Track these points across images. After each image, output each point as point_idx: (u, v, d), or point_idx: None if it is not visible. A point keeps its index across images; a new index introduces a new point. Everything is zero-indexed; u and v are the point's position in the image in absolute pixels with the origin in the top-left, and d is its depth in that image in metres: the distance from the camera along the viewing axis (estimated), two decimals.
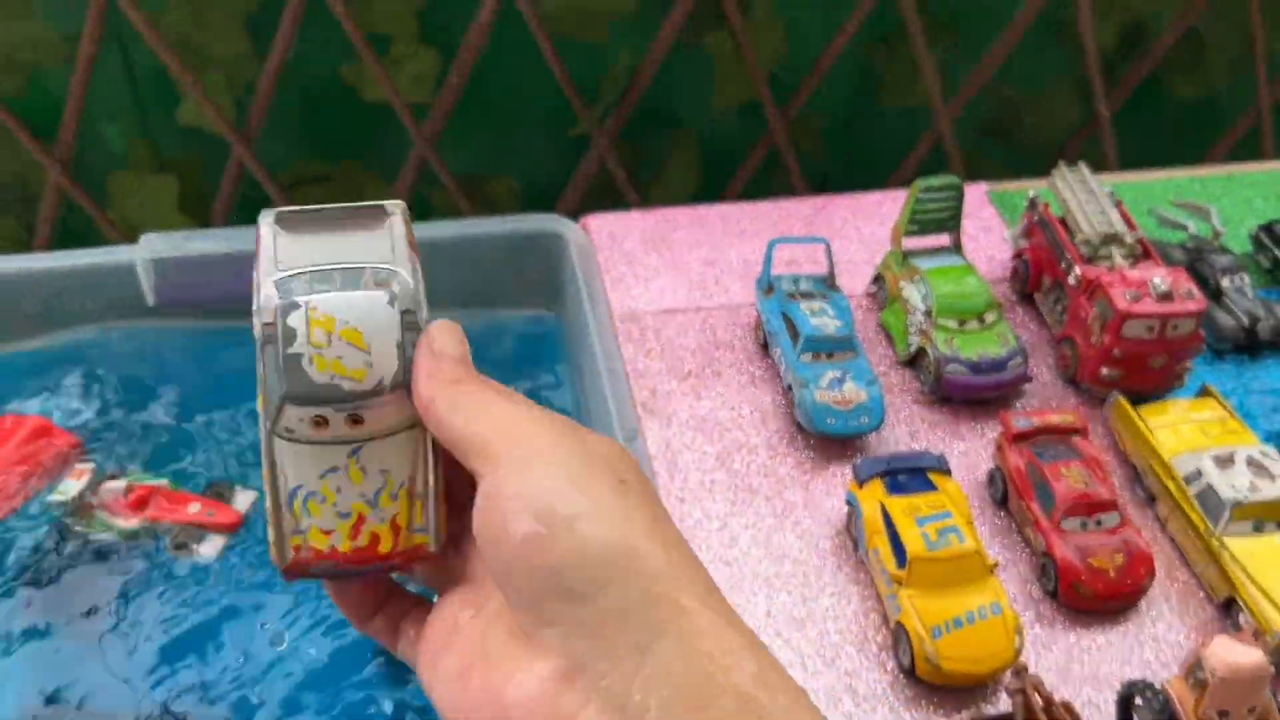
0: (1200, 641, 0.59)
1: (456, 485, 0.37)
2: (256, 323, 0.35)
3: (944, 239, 0.85)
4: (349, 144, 1.15)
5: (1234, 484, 0.67)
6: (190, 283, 0.83)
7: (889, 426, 0.77)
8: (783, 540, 0.71)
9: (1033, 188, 0.91)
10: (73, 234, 1.15)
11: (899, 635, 0.63)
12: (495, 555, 0.33)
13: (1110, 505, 0.67)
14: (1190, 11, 1.18)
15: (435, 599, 0.38)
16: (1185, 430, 0.73)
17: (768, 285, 0.83)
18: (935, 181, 0.83)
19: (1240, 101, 1.27)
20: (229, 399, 0.79)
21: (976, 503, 0.72)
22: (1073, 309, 0.79)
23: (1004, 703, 0.61)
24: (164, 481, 0.73)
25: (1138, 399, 0.76)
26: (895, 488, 0.67)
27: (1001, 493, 0.72)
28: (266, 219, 0.37)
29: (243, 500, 0.72)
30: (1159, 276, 0.75)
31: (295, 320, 0.35)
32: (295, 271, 0.35)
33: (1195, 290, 0.75)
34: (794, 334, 0.78)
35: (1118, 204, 0.83)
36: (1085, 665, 0.65)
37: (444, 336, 0.36)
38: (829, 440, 0.76)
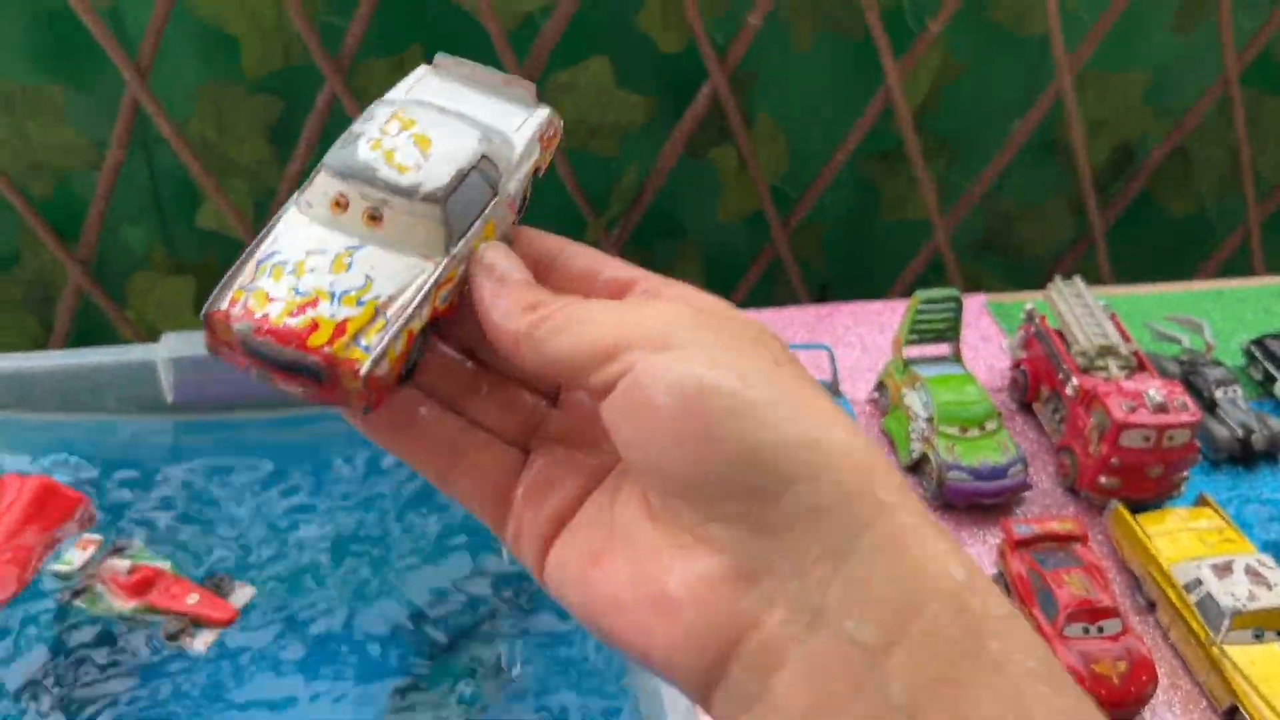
0: None
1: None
2: (363, 115, 0.34)
3: (944, 348, 0.88)
4: None
5: (1233, 592, 0.68)
6: (208, 381, 0.85)
7: None
8: None
9: (1030, 300, 0.94)
10: (90, 332, 1.17)
11: None
12: (644, 453, 0.29)
13: (1112, 612, 0.68)
14: (1178, 132, 1.22)
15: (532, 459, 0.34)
16: (1184, 539, 0.74)
17: None
18: (935, 294, 0.85)
19: (1229, 219, 1.31)
20: (239, 489, 0.81)
21: None
22: (1071, 419, 0.81)
23: None
24: (167, 564, 0.73)
25: (1136, 507, 0.77)
26: None
27: None
28: (423, 68, 0.36)
29: (241, 596, 0.73)
30: (1154, 388, 0.77)
31: (381, 111, 0.34)
32: (415, 99, 0.34)
33: (1189, 402, 0.77)
34: None
35: (1112, 317, 0.85)
36: None
37: (500, 259, 0.33)
38: None
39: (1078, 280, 0.89)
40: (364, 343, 0.30)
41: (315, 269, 0.31)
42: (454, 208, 0.32)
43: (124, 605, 0.71)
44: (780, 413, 0.28)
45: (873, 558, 0.27)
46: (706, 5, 1.05)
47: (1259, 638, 0.67)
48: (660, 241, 1.20)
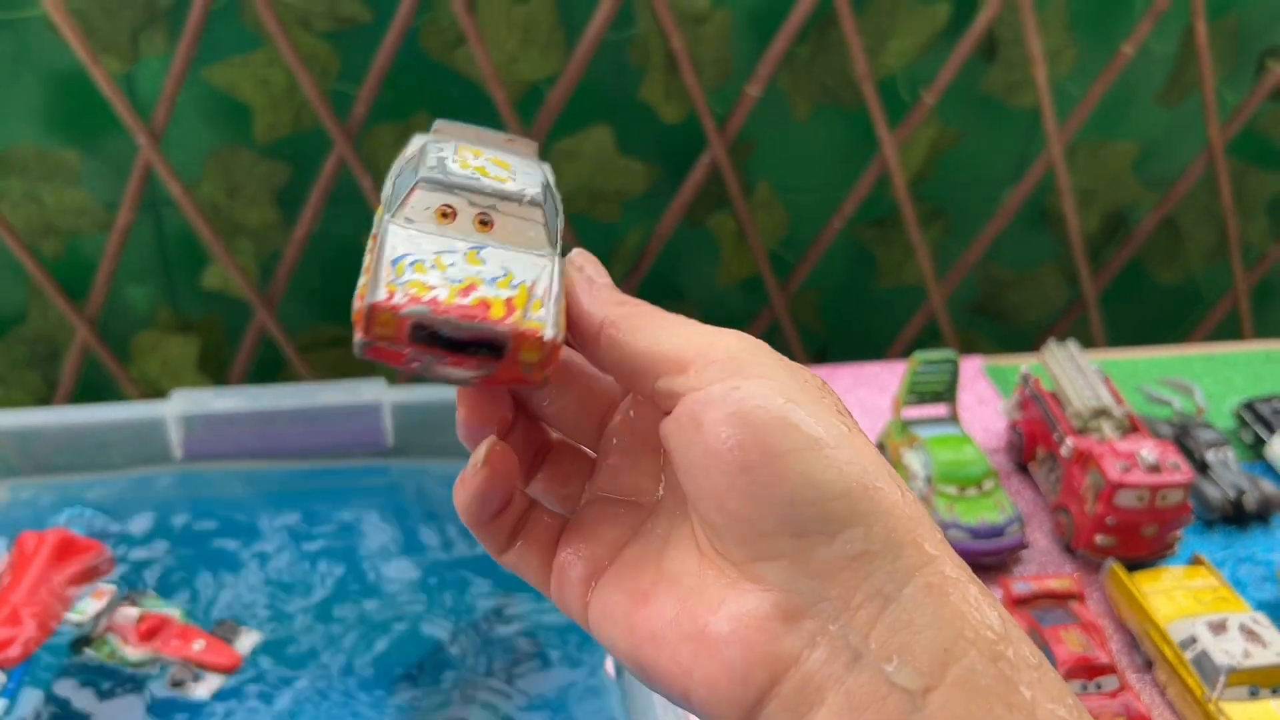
0: None
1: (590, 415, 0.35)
2: (391, 176, 0.34)
3: (941, 409, 0.89)
4: None
5: (1228, 649, 0.69)
6: (216, 438, 0.86)
7: None
8: None
9: (1025, 363, 0.95)
10: (94, 390, 1.18)
11: None
12: (706, 479, 0.29)
13: (1110, 669, 0.69)
14: (1167, 202, 1.25)
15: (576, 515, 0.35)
16: (1179, 597, 0.75)
17: None
18: (932, 355, 0.87)
19: (1218, 286, 1.33)
20: (248, 539, 0.82)
21: None
22: (1066, 479, 0.82)
23: None
24: (176, 612, 0.75)
25: (1132, 566, 0.78)
26: None
27: None
28: (421, 136, 0.37)
29: (246, 642, 0.74)
30: (1147, 449, 0.79)
31: (444, 145, 0.34)
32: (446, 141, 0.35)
33: (1182, 462, 0.78)
34: None
35: (1105, 380, 0.87)
36: None
37: (591, 263, 0.34)
38: None
39: (1071, 344, 0.91)
40: (535, 315, 0.31)
41: (454, 264, 0.31)
42: (548, 212, 0.34)
43: (133, 652, 0.72)
44: (843, 456, 0.28)
45: (916, 604, 0.27)
46: (706, 77, 1.08)
47: (1254, 695, 0.68)
48: (660, 304, 1.21)
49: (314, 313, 1.19)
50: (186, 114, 1.04)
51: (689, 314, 0.34)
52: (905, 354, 1.25)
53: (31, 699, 0.69)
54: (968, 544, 0.79)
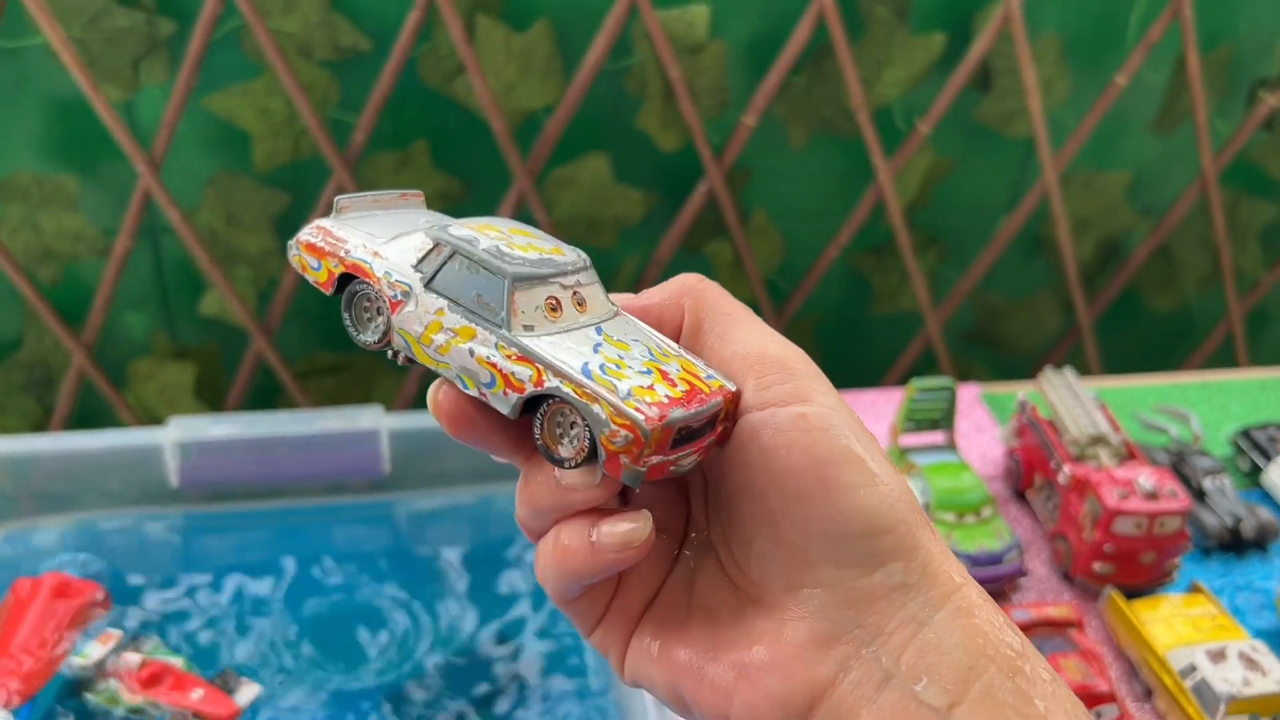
0: None
1: None
2: (407, 261, 0.33)
3: (939, 436, 0.89)
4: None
5: (1227, 678, 0.68)
6: (213, 465, 0.85)
7: None
8: None
9: (1022, 390, 0.96)
10: (89, 416, 1.18)
11: None
12: (762, 503, 0.30)
13: (1109, 698, 0.69)
14: (1161, 230, 1.26)
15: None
16: (1178, 625, 0.75)
17: None
18: (929, 383, 0.87)
19: (1212, 314, 1.34)
20: (250, 581, 0.81)
21: None
22: (1064, 506, 0.82)
23: None
24: (179, 660, 0.74)
25: (1131, 594, 0.78)
26: None
27: None
28: (328, 219, 0.36)
29: (246, 694, 0.73)
30: (1144, 476, 0.79)
31: (460, 231, 0.33)
32: (400, 233, 0.34)
33: (1179, 490, 0.78)
34: None
35: (1102, 407, 0.87)
36: None
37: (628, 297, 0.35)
38: None
39: (1068, 371, 0.91)
40: (710, 372, 0.32)
41: (621, 356, 0.31)
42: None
43: (132, 699, 0.71)
44: (895, 494, 0.30)
45: (944, 628, 0.29)
46: (703, 106, 1.09)
47: None
48: None
49: (311, 340, 1.19)
50: (186, 142, 1.04)
51: None
52: (902, 381, 1.26)
53: None
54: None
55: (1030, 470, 0.89)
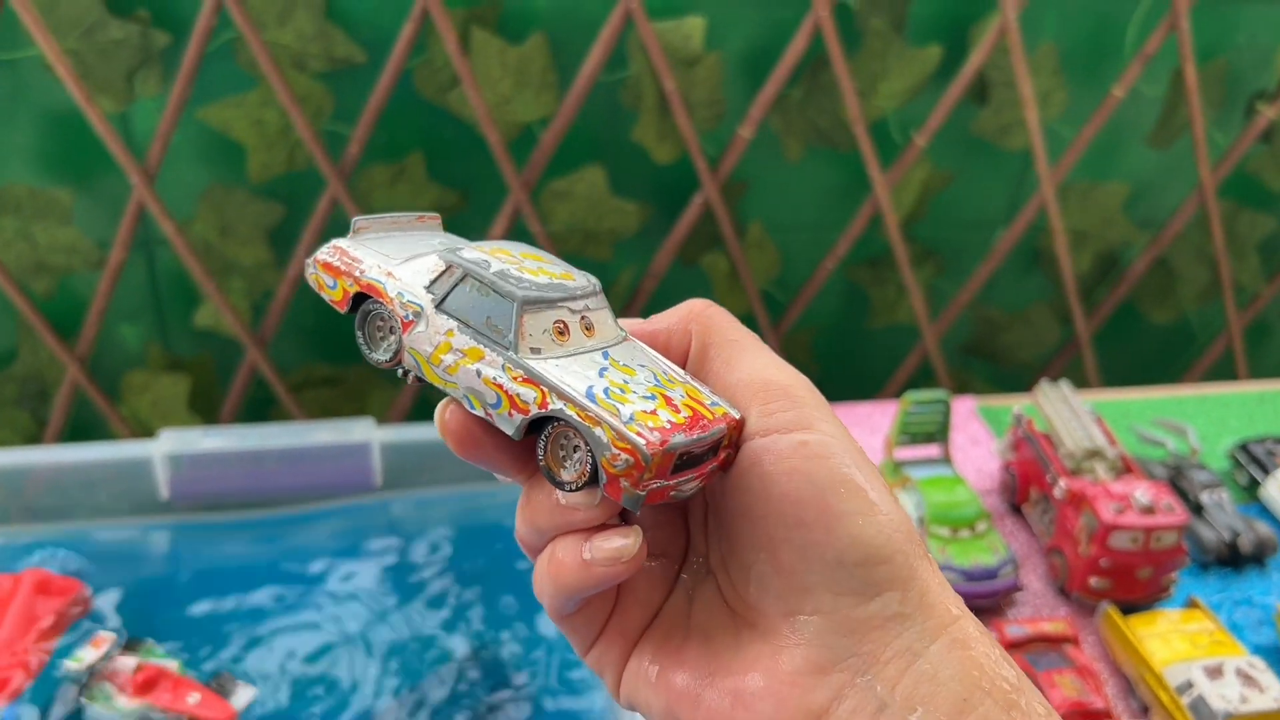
0: None
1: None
2: (420, 282, 0.33)
3: (934, 450, 0.89)
4: (358, 349, 1.19)
5: (1224, 694, 0.68)
6: (204, 478, 0.85)
7: None
8: None
9: (1018, 403, 0.95)
10: (84, 429, 1.18)
11: None
12: (762, 527, 0.30)
13: (1105, 714, 0.68)
14: (1159, 243, 1.25)
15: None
16: (1175, 641, 0.74)
17: None
18: (924, 396, 0.87)
19: (1211, 327, 1.34)
20: (246, 586, 0.81)
21: None
22: (1060, 520, 0.82)
23: None
24: (174, 664, 0.74)
25: (1127, 609, 0.78)
26: None
27: None
28: (344, 239, 0.37)
29: (242, 696, 0.73)
30: (1141, 490, 0.78)
31: (472, 254, 0.34)
32: (414, 254, 0.35)
33: (1176, 504, 0.78)
34: None
35: (1098, 420, 0.87)
36: None
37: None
38: None
39: (1064, 384, 0.91)
40: (715, 400, 0.32)
41: (626, 381, 0.32)
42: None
43: (128, 703, 0.71)
44: (893, 523, 0.30)
45: (940, 659, 0.29)
46: (699, 118, 1.09)
47: None
48: None
49: (305, 352, 1.19)
50: (180, 154, 1.04)
51: None
52: (899, 394, 1.25)
53: None
54: (961, 586, 0.78)
55: (1026, 484, 0.88)
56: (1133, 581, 0.78)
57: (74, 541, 0.84)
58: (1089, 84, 1.14)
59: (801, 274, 1.21)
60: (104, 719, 0.70)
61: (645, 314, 1.11)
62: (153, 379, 1.17)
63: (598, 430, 0.30)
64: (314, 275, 0.36)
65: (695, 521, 0.35)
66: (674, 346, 0.35)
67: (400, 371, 0.34)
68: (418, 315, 0.33)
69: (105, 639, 0.74)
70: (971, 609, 0.82)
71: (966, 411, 1.02)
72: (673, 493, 0.31)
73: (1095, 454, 0.83)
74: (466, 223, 1.11)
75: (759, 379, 0.32)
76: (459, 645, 0.78)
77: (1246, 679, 0.69)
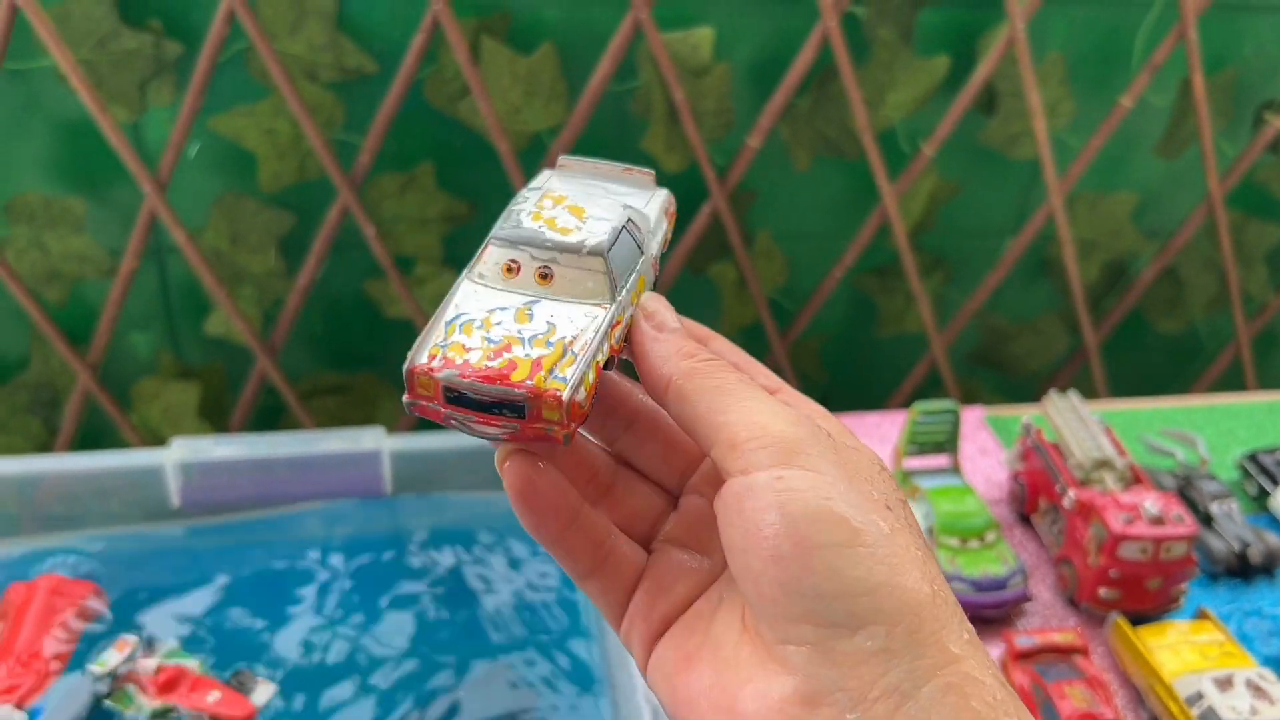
0: None
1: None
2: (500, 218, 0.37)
3: (943, 460, 0.89)
4: (367, 356, 1.20)
5: (1234, 706, 0.68)
6: (215, 486, 0.85)
7: None
8: None
9: (1027, 413, 0.95)
10: (94, 436, 1.18)
11: None
12: (744, 560, 0.30)
13: None
14: (1167, 252, 1.25)
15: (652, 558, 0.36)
16: (1185, 652, 0.74)
17: None
18: (932, 406, 0.87)
19: (1220, 337, 1.34)
20: (262, 591, 0.81)
21: None
22: (1069, 531, 0.82)
23: None
24: (194, 663, 0.74)
25: (1137, 620, 0.78)
26: None
27: None
28: (548, 170, 0.41)
29: (262, 693, 0.74)
30: (1150, 501, 0.78)
31: (532, 194, 0.38)
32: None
33: (1185, 514, 0.78)
34: None
35: (1107, 431, 0.87)
36: None
37: (660, 306, 0.35)
38: None
39: (1073, 394, 0.91)
40: (559, 374, 0.32)
41: (501, 322, 0.34)
42: (614, 260, 0.35)
43: (150, 704, 0.72)
44: (876, 556, 0.29)
45: (933, 702, 0.28)
46: (707, 128, 1.09)
47: None
48: None
49: (315, 360, 1.19)
50: (192, 162, 1.05)
51: None
52: (907, 403, 1.25)
53: None
54: (970, 597, 0.78)
55: (1035, 494, 0.88)
56: (1142, 592, 0.78)
57: (86, 549, 0.84)
58: (1097, 94, 1.14)
59: (809, 283, 1.21)
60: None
61: None
62: (163, 387, 1.18)
63: (413, 348, 0.33)
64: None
65: None
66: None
67: None
68: None
69: (129, 642, 0.75)
70: (980, 620, 0.82)
71: (975, 421, 1.02)
72: (453, 422, 0.33)
73: (1104, 464, 0.83)
74: (476, 232, 1.12)
75: (759, 417, 0.31)
76: (472, 647, 0.78)
77: (1257, 690, 0.69)
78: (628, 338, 0.36)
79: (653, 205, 0.40)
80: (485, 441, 0.34)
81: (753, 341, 1.23)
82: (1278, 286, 1.32)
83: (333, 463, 0.87)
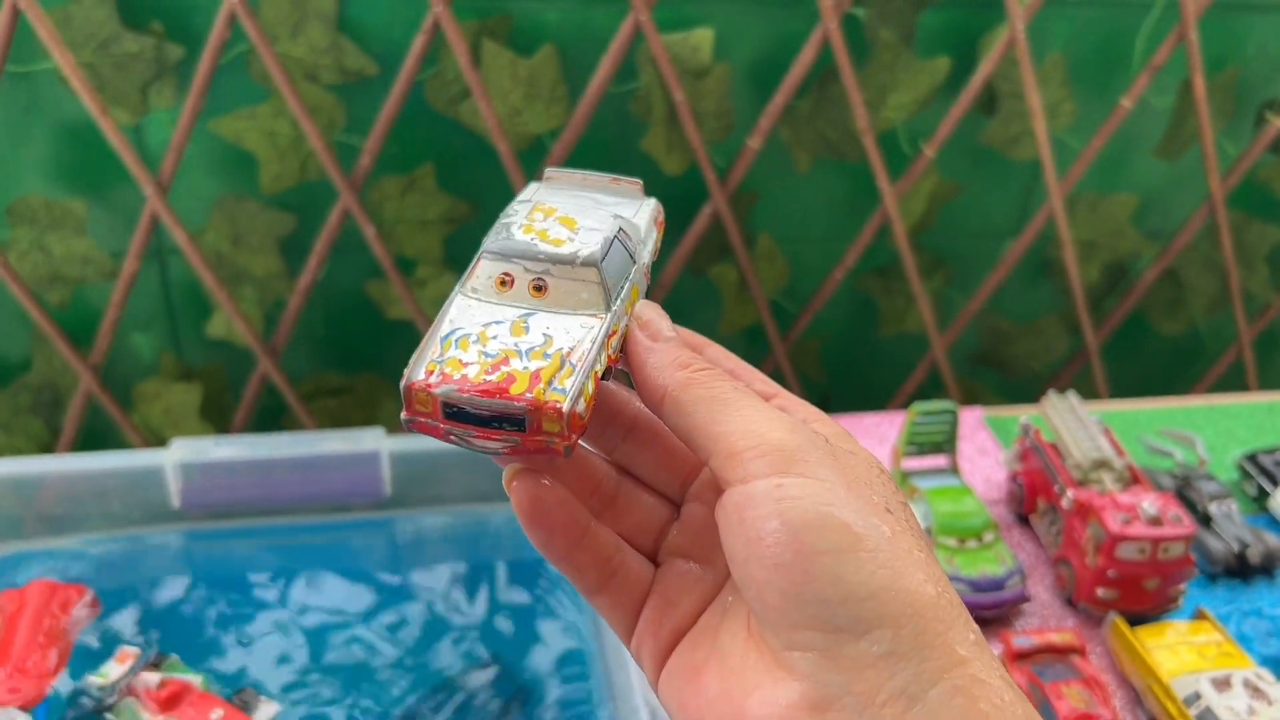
0: None
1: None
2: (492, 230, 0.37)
3: (941, 460, 0.89)
4: (369, 358, 1.20)
5: (1232, 706, 0.68)
6: (215, 487, 0.86)
7: None
8: None
9: (1025, 414, 0.95)
10: (96, 438, 1.19)
11: None
12: (746, 569, 0.30)
13: None
14: (1168, 253, 1.25)
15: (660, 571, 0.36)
16: (1183, 652, 0.74)
17: None
18: (931, 406, 0.87)
19: (1221, 338, 1.33)
20: (262, 599, 0.81)
21: None
22: (1067, 531, 0.82)
23: None
24: (198, 679, 0.74)
25: (1135, 620, 0.78)
26: None
27: None
28: (535, 183, 0.41)
29: (265, 712, 0.73)
30: (1148, 501, 0.78)
31: (522, 206, 0.38)
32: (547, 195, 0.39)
33: (1183, 515, 0.78)
34: None
35: (1106, 431, 0.87)
36: None
37: (655, 315, 0.35)
38: None
39: (1072, 395, 0.91)
40: (559, 386, 0.32)
41: (497, 335, 0.34)
42: (608, 270, 0.35)
43: (152, 719, 0.71)
44: (878, 559, 0.29)
45: (941, 705, 0.28)
46: (708, 130, 1.09)
47: None
48: None
49: (317, 361, 1.19)
50: (193, 164, 1.05)
51: None
52: (908, 404, 1.25)
53: None
54: (968, 597, 0.78)
55: (1033, 494, 0.88)
56: (1140, 592, 0.78)
57: (85, 551, 0.84)
58: (1097, 95, 1.14)
59: (810, 284, 1.21)
60: None
61: None
62: (165, 388, 1.18)
63: (410, 363, 0.33)
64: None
65: None
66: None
67: None
68: None
69: (130, 654, 0.75)
70: (978, 620, 0.82)
71: (974, 422, 1.02)
72: (453, 438, 0.33)
73: (1103, 464, 0.83)
74: (477, 233, 1.12)
75: (757, 426, 0.31)
76: (478, 657, 0.78)
77: (1255, 691, 0.69)
78: (623, 347, 0.36)
79: (642, 215, 0.40)
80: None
81: (753, 343, 1.24)
82: (1279, 287, 1.32)
83: (332, 464, 0.87)
